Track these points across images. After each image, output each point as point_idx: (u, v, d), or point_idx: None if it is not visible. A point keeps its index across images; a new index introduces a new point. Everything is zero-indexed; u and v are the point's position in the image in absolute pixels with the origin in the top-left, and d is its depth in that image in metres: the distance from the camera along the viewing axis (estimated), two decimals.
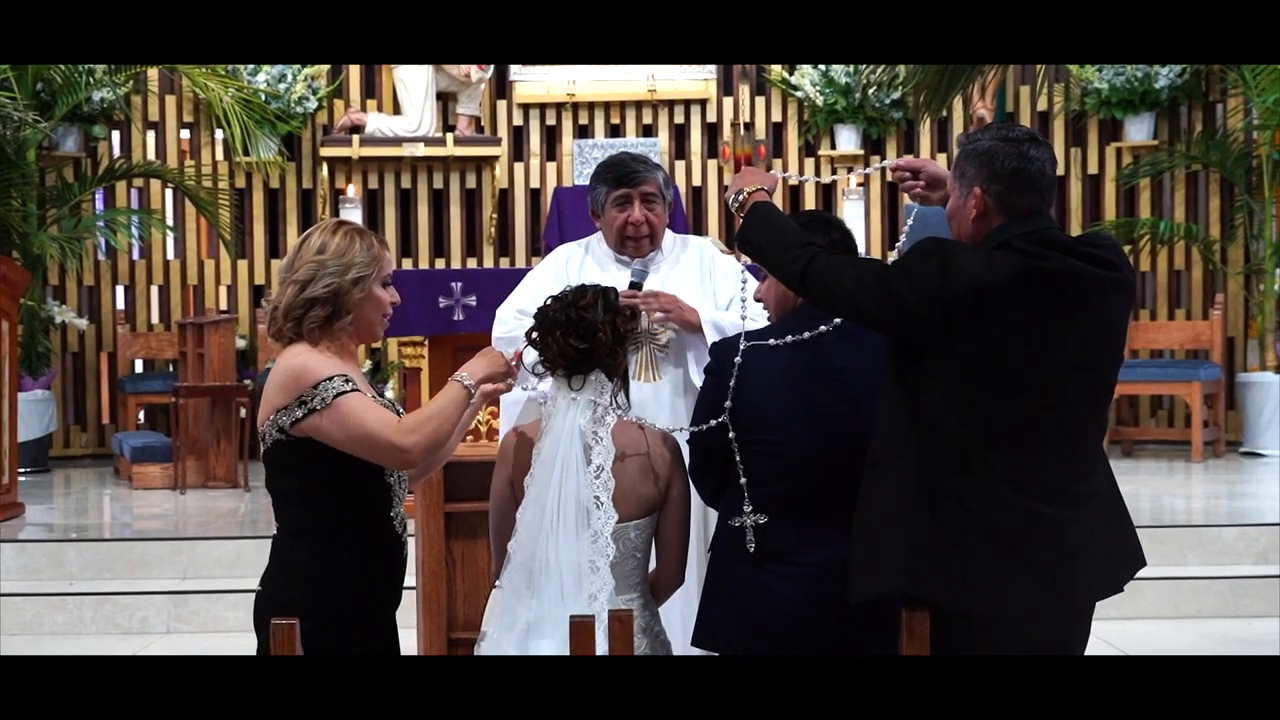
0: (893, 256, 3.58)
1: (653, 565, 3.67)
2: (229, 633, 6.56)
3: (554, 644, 3.36)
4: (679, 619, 4.07)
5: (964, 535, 3.25)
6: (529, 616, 3.42)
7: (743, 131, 11.19)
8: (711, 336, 4.41)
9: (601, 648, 3.13)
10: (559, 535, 3.42)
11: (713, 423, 3.59)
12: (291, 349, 3.53)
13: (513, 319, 4.70)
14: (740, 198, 3.61)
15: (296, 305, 3.52)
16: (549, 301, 3.63)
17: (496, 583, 3.49)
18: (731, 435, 3.56)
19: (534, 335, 3.59)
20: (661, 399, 4.56)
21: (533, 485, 3.48)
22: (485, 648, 3.47)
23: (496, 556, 3.62)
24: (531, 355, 3.64)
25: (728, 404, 3.57)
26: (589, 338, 3.52)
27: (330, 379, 3.44)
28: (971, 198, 3.35)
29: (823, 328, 3.58)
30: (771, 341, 3.58)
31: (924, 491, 3.26)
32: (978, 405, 3.25)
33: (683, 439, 3.67)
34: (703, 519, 4.10)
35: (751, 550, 3.56)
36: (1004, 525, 3.26)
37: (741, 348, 3.61)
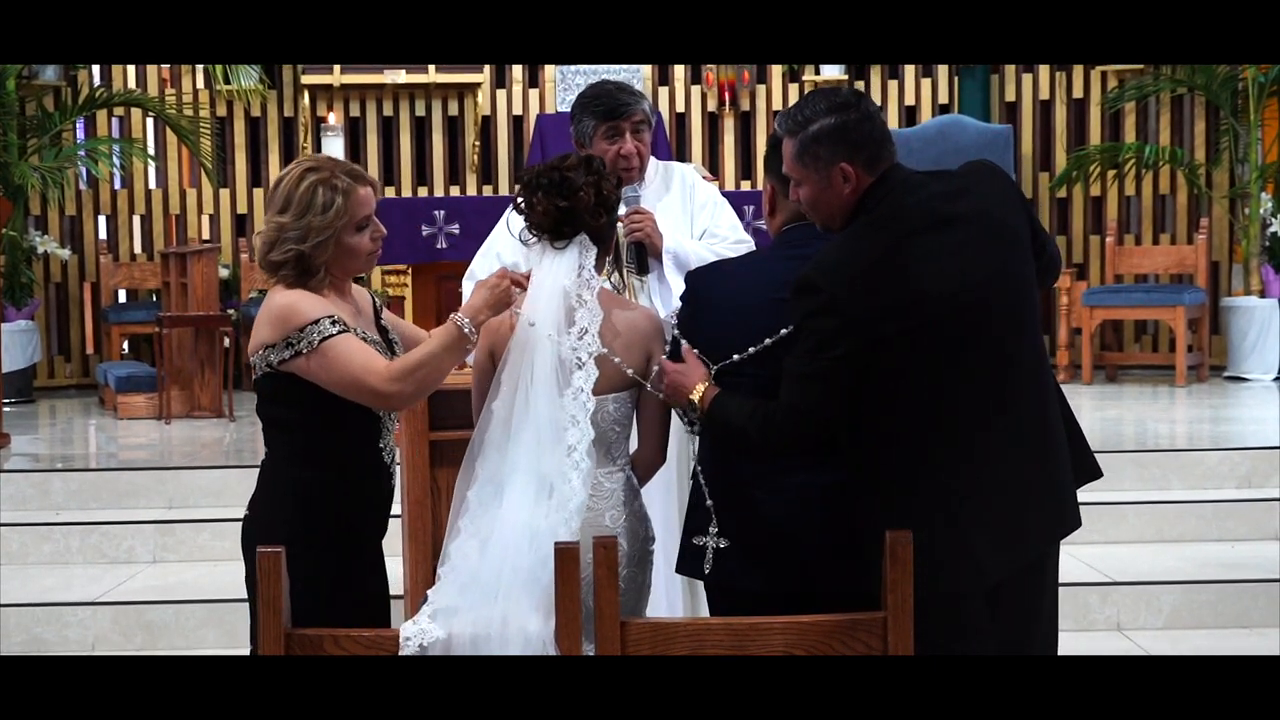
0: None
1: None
2: (215, 561, 6.57)
3: (526, 478, 3.36)
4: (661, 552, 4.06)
5: (960, 511, 3.28)
6: (505, 466, 3.40)
7: None
8: (668, 265, 4.45)
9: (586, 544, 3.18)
10: (538, 389, 3.40)
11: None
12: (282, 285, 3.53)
13: (480, 265, 4.69)
14: (695, 408, 3.51)
15: (265, 264, 3.53)
16: (533, 166, 3.60)
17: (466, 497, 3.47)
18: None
19: (519, 201, 3.55)
20: None
21: (515, 342, 3.46)
22: (465, 512, 3.43)
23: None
24: (518, 222, 3.59)
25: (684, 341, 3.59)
26: (570, 195, 3.47)
27: (318, 321, 3.43)
28: (838, 174, 3.33)
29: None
30: (735, 357, 3.53)
31: (920, 493, 3.29)
32: (924, 393, 3.27)
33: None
34: (685, 450, 4.10)
35: (708, 572, 3.56)
36: (996, 482, 3.30)
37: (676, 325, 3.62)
